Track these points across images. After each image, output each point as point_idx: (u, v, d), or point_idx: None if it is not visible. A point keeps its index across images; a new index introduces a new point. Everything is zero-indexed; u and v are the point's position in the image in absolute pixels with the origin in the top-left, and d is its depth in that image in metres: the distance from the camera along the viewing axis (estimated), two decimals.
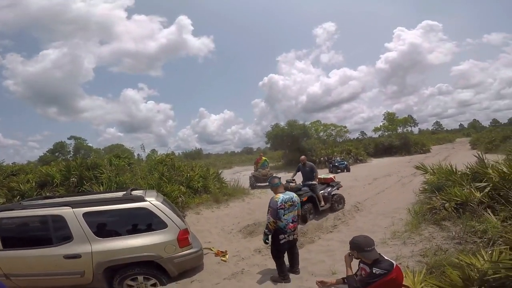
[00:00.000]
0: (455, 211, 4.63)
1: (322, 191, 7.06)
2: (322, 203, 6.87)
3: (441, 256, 3.44)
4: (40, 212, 3.59)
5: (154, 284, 3.63)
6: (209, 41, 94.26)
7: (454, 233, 4.07)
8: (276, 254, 3.74)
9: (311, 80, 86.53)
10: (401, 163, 17.28)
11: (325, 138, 28.89)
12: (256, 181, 12.77)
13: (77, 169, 8.01)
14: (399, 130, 33.96)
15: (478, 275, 2.30)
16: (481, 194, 4.53)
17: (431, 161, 9.20)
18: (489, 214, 4.00)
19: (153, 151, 12.30)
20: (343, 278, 2.77)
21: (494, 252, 2.60)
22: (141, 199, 3.74)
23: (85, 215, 3.53)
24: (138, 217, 3.70)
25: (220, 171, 11.99)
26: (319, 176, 7.37)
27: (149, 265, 3.56)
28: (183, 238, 3.70)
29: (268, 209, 3.60)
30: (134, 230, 3.65)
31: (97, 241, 3.47)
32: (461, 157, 12.27)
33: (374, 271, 2.28)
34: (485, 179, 4.89)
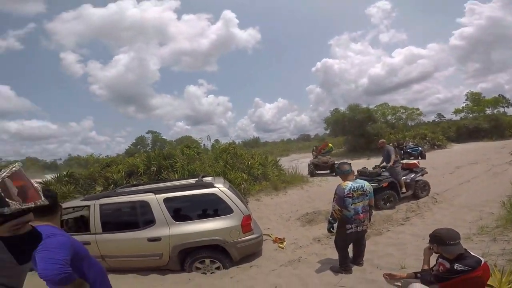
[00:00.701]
0: None
1: (404, 177, 6.54)
2: (404, 189, 6.39)
3: None
4: (130, 198, 3.95)
5: (218, 268, 3.82)
6: (255, 32, 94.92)
7: None
8: (340, 244, 3.57)
9: (371, 62, 78.80)
10: (492, 149, 14.55)
11: (393, 121, 25.97)
12: (315, 169, 12.38)
13: (156, 159, 9.06)
14: (488, 111, 28.21)
15: None
16: None
17: None
18: None
19: (217, 141, 13.20)
20: (415, 273, 2.59)
21: None
22: (210, 185, 3.93)
23: (165, 200, 3.79)
24: (207, 203, 3.90)
25: (278, 159, 12.05)
26: (402, 162, 6.88)
27: (216, 249, 3.77)
28: (246, 224, 3.80)
29: (334, 196, 3.43)
30: (204, 215, 3.88)
31: (174, 225, 3.71)
32: None
33: (455, 267, 2.09)
34: None
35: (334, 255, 3.81)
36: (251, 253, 4.11)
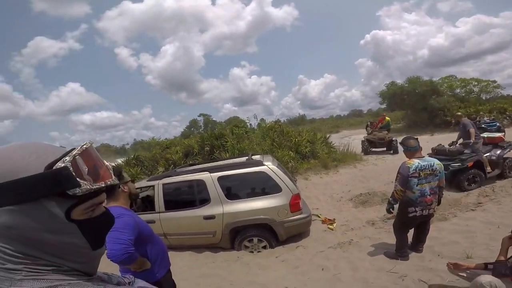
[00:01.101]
0: None
1: (487, 154, 5.76)
2: (489, 168, 5.66)
3: None
4: (189, 178, 4.07)
5: (264, 247, 3.87)
6: (291, 9, 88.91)
7: None
8: (399, 228, 3.33)
9: (431, 32, 67.50)
10: None
11: (463, 95, 22.33)
12: (370, 146, 11.55)
13: (209, 139, 9.53)
14: None
15: None
16: None
17: None
18: None
19: (262, 120, 13.24)
20: (486, 263, 2.34)
21: None
22: (260, 163, 3.93)
23: (219, 179, 3.86)
24: (257, 181, 3.85)
25: (327, 136, 11.60)
26: (482, 135, 6.03)
27: (264, 228, 3.83)
28: (295, 203, 3.76)
29: (397, 175, 3.13)
30: (254, 193, 3.92)
31: (227, 204, 3.77)
32: None
33: None
34: None
35: (390, 240, 3.63)
36: (298, 233, 4.09)
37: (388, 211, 3.34)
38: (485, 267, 2.27)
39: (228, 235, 3.84)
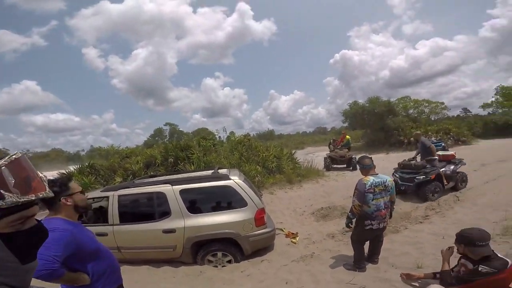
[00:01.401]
0: None
1: (443, 169, 6.48)
2: (445, 181, 6.41)
3: None
4: (148, 190, 3.93)
5: (229, 261, 3.79)
6: (270, 24, 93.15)
7: None
8: (357, 241, 3.50)
9: (393, 54, 75.06)
10: None
11: (415, 115, 24.85)
12: (332, 163, 12.10)
13: (173, 150, 9.17)
14: None
15: None
16: None
17: None
18: None
19: (232, 133, 13.26)
20: (434, 273, 2.52)
21: None
22: (226, 177, 3.88)
23: (182, 192, 3.77)
24: (223, 195, 3.86)
25: (293, 151, 11.89)
26: (438, 153, 6.77)
27: (228, 242, 3.75)
28: (260, 217, 3.75)
29: (354, 191, 3.32)
30: (219, 207, 3.85)
31: (189, 217, 3.68)
32: None
33: (480, 269, 2.02)
34: None
35: (348, 252, 3.75)
36: (263, 247, 4.08)
37: (347, 226, 3.49)
38: (434, 276, 2.44)
39: (189, 250, 3.74)
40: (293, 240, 4.67)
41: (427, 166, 6.39)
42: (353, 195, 3.33)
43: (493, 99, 28.54)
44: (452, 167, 6.65)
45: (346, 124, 25.04)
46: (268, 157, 9.45)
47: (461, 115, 34.06)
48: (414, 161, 6.77)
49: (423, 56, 66.64)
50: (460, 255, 2.30)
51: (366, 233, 3.39)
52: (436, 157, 6.47)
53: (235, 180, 3.82)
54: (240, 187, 3.77)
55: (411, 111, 25.21)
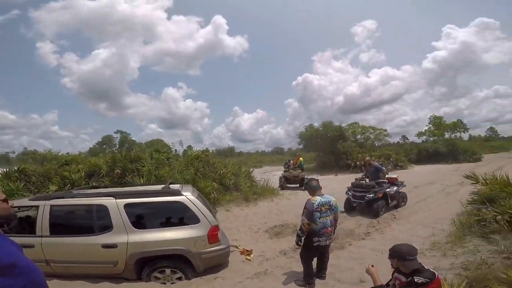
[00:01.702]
0: (508, 224, 4.17)
1: (388, 190, 7.39)
2: (390, 200, 7.33)
3: (485, 270, 3.14)
4: (86, 201, 3.72)
5: (179, 278, 3.66)
6: (243, 41, 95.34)
7: (503, 247, 3.70)
8: (306, 257, 3.64)
9: (349, 80, 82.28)
10: (447, 172, 15.90)
11: (362, 141, 27.40)
12: (286, 182, 12.57)
13: (122, 161, 8.49)
14: (447, 135, 30.97)
15: None
16: None
17: (482, 170, 8.25)
18: None
19: (189, 147, 12.85)
20: None
21: None
22: (178, 193, 3.78)
23: (126, 206, 3.61)
24: (173, 211, 3.75)
25: (251, 170, 12.03)
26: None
27: (178, 259, 3.61)
28: (213, 235, 3.70)
29: (303, 211, 3.53)
30: (169, 223, 3.71)
31: (134, 232, 3.53)
32: None
33: (415, 280, 2.20)
34: None
35: (299, 268, 3.85)
36: (217, 264, 4.01)
37: (297, 243, 3.65)
38: None
39: (133, 266, 3.53)
40: (248, 257, 4.68)
41: (376, 186, 7.27)
42: (302, 214, 3.53)
43: (427, 127, 33.07)
44: (395, 188, 7.62)
45: (301, 146, 26.26)
46: (226, 174, 9.37)
47: (400, 142, 38.63)
48: (364, 181, 7.60)
49: (373, 84, 73.94)
50: (393, 269, 2.47)
51: (314, 250, 3.57)
52: (386, 181, 7.53)
53: (188, 196, 3.75)
54: (193, 203, 3.71)
55: (358, 136, 27.71)
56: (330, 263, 4.06)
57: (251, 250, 4.98)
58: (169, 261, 3.61)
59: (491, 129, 60.20)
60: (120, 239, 3.49)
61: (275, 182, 12.09)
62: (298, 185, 12.46)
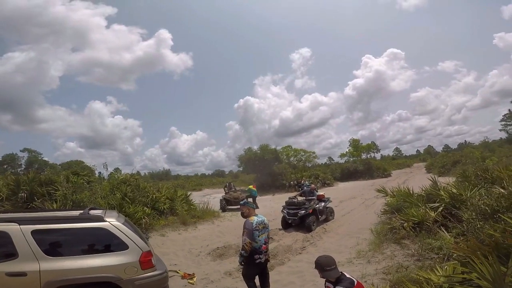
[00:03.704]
0: (413, 230, 4.97)
1: (317, 206, 8.10)
2: (319, 215, 8.04)
3: (403, 273, 3.62)
4: None
5: None
6: (187, 58, 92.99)
7: (413, 251, 4.34)
8: (248, 275, 3.71)
9: (284, 105, 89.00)
10: (365, 187, 18.25)
11: (295, 163, 29.65)
12: (227, 204, 12.59)
13: (28, 184, 7.37)
14: (363, 156, 36.22)
15: None
16: (435, 213, 4.97)
17: (391, 184, 9.88)
18: (443, 231, 4.37)
19: (117, 169, 11.67)
20: None
21: (448, 267, 2.77)
22: (100, 219, 3.60)
23: (35, 232, 3.32)
24: (96, 237, 3.54)
25: (189, 193, 11.65)
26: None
27: (108, 287, 3.35)
28: (146, 260, 3.55)
29: (244, 231, 3.65)
30: (91, 250, 3.47)
31: (47, 260, 3.26)
32: (417, 180, 13.35)
33: None
34: (438, 200, 5.39)
35: None
36: None
37: (241, 263, 3.74)
38: None
39: None
40: (190, 281, 4.56)
41: (306, 202, 7.94)
42: (243, 234, 3.66)
43: (347, 149, 37.77)
44: (323, 204, 8.40)
45: (241, 169, 26.66)
46: (159, 198, 8.92)
47: (327, 162, 43.16)
48: (296, 199, 8.23)
49: (304, 109, 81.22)
50: (324, 280, 2.60)
51: (256, 267, 3.69)
52: (315, 197, 8.37)
53: (112, 222, 3.58)
54: (118, 229, 3.55)
55: (292, 158, 29.91)
56: (273, 279, 4.16)
57: (193, 273, 4.83)
58: None
59: (397, 149, 73.43)
60: (29, 267, 3.18)
61: (216, 205, 11.97)
62: (239, 207, 12.53)
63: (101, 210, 4.39)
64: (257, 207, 12.72)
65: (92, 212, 3.96)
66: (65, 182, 8.06)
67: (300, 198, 8.53)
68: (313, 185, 9.58)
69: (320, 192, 9.61)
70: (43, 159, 34.20)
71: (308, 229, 7.37)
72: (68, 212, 4.36)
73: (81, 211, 3.88)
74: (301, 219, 7.61)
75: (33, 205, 6.83)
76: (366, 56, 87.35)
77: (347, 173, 28.07)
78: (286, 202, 8.26)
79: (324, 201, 8.60)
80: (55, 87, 74.31)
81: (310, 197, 8.30)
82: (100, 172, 11.68)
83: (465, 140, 59.13)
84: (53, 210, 5.51)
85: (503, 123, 38.91)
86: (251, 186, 13.91)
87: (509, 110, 35.91)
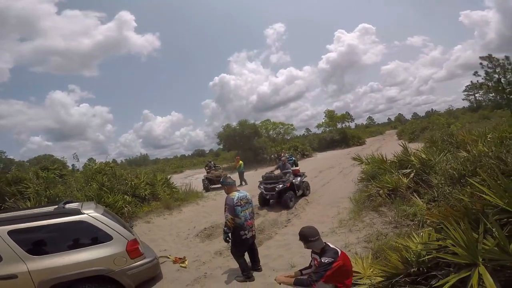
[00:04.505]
0: (388, 197, 5.28)
1: (294, 180, 7.81)
2: (296, 190, 7.78)
3: (383, 240, 3.83)
4: None
5: None
6: (154, 39, 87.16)
7: (390, 218, 4.62)
8: (237, 253, 3.78)
9: (261, 80, 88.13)
10: (342, 156, 18.89)
11: (274, 136, 29.90)
12: (210, 183, 12.55)
13: None
14: (339, 125, 37.29)
15: (414, 257, 2.55)
16: (407, 179, 5.28)
17: (366, 152, 10.28)
18: (416, 197, 4.64)
19: (91, 159, 11.13)
20: (300, 270, 2.82)
21: (423, 234, 2.93)
22: (77, 212, 3.50)
23: (11, 233, 3.22)
24: (77, 231, 3.46)
25: (169, 176, 11.48)
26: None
27: (102, 280, 3.35)
28: (133, 249, 3.54)
29: (225, 207, 3.67)
30: (76, 244, 3.41)
31: (33, 260, 3.20)
32: (390, 147, 14.02)
33: (323, 260, 2.38)
34: (409, 166, 5.69)
35: (237, 266, 3.91)
36: (148, 278, 3.81)
37: (226, 240, 3.78)
38: (300, 273, 2.77)
39: None
40: (182, 265, 4.59)
41: (284, 176, 7.77)
42: (225, 211, 3.68)
43: (323, 120, 38.65)
44: (299, 179, 8.20)
45: (221, 146, 26.44)
46: (139, 185, 8.70)
47: (304, 134, 44.12)
48: (273, 174, 7.97)
49: (281, 84, 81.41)
50: (311, 251, 2.64)
51: (243, 243, 3.75)
52: (290, 170, 8.10)
53: (90, 214, 3.51)
54: (99, 220, 3.50)
55: (271, 132, 30.11)
56: (262, 254, 4.33)
57: (184, 257, 4.85)
58: (92, 283, 3.32)
59: (369, 118, 76.57)
60: (16, 269, 3.13)
61: (198, 185, 11.90)
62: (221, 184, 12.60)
63: (77, 203, 4.27)
64: (246, 183, 12.76)
65: (68, 205, 3.85)
66: (35, 178, 7.71)
67: (276, 172, 8.19)
68: (283, 158, 9.00)
69: (300, 164, 9.53)
70: (8, 157, 31.46)
71: (286, 206, 7.13)
72: (42, 208, 4.16)
73: (56, 206, 3.76)
74: (279, 193, 7.32)
75: (6, 206, 6.49)
76: (339, 31, 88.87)
77: (324, 143, 28.94)
78: (262, 177, 7.88)
79: (299, 175, 8.39)
80: (6, 79, 66.72)
81: (286, 171, 8.03)
82: (73, 164, 11.06)
83: (432, 109, 63.33)
84: (27, 208, 5.20)
85: (465, 93, 41.82)
86: (241, 162, 13.44)
87: (471, 81, 38.28)
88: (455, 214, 2.44)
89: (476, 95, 40.45)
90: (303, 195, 8.20)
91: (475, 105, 40.83)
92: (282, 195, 7.33)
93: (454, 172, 4.19)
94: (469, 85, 40.26)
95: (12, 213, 4.00)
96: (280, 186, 7.31)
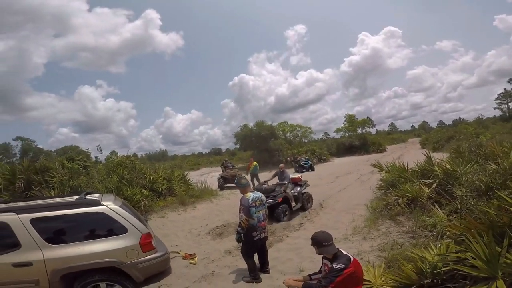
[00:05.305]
0: (407, 206, 5.06)
1: (291, 191, 7.08)
2: (294, 203, 6.95)
3: (398, 250, 3.70)
4: None
5: None
6: (178, 38, 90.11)
7: (407, 228, 4.44)
8: (247, 253, 3.77)
9: (279, 81, 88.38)
10: (360, 162, 18.37)
11: (291, 138, 29.67)
12: (225, 182, 12.66)
13: (24, 173, 7.33)
14: (359, 131, 36.26)
15: (429, 268, 2.45)
16: (429, 190, 5.02)
17: (386, 159, 9.93)
18: (437, 208, 4.43)
19: (113, 152, 11.63)
20: (310, 275, 2.78)
21: (442, 245, 2.82)
22: (96, 203, 3.60)
23: (33, 221, 3.34)
24: (94, 222, 3.55)
25: (186, 173, 11.71)
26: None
27: (111, 271, 3.43)
28: (146, 243, 3.62)
29: (240, 208, 3.66)
30: (92, 235, 3.50)
31: (50, 248, 3.30)
32: (412, 155, 13.47)
33: (334, 266, 2.35)
34: (432, 176, 5.44)
35: (245, 265, 3.91)
36: (157, 272, 3.89)
37: (238, 240, 3.79)
38: (309, 278, 2.73)
39: (59, 282, 3.32)
40: (192, 261, 4.63)
41: (275, 189, 6.75)
42: (240, 211, 3.68)
43: (343, 125, 37.77)
44: (298, 189, 7.20)
45: (237, 146, 26.66)
46: (157, 180, 8.93)
47: (323, 138, 43.40)
48: (265, 185, 7.02)
49: (300, 86, 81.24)
50: (322, 256, 2.61)
51: (254, 244, 3.74)
52: (287, 181, 7.14)
53: (109, 206, 3.60)
54: (116, 212, 3.58)
55: (288, 134, 29.91)
56: (272, 257, 4.29)
57: (194, 253, 4.90)
58: (102, 274, 3.40)
59: (392, 124, 74.19)
60: (33, 257, 3.25)
61: (214, 183, 12.06)
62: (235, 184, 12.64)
63: (97, 194, 4.41)
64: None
65: (89, 196, 3.98)
66: (60, 168, 8.06)
67: (271, 182, 7.34)
68: (282, 165, 7.93)
69: (317, 168, 9.16)
70: (38, 146, 33.84)
71: (278, 220, 6.36)
72: (64, 198, 4.35)
73: (77, 196, 3.88)
74: (270, 208, 5.95)
75: (32, 194, 6.83)
76: (363, 33, 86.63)
77: (343, 148, 28.42)
78: (253, 189, 6.99)
79: (300, 185, 7.40)
80: (40, 74, 71.78)
81: (282, 182, 7.12)
82: (96, 156, 11.65)
83: (459, 117, 60.57)
84: (50, 197, 5.48)
85: (498, 101, 39.52)
86: (255, 163, 13.00)
87: (505, 89, 36.10)
88: (479, 227, 2.29)
89: (510, 103, 37.90)
90: (303, 208, 7.22)
91: (507, 114, 38.33)
92: (274, 209, 6.41)
93: (481, 184, 3.94)
94: (502, 92, 38.02)
95: (36, 201, 4.23)
96: (270, 201, 6.16)
